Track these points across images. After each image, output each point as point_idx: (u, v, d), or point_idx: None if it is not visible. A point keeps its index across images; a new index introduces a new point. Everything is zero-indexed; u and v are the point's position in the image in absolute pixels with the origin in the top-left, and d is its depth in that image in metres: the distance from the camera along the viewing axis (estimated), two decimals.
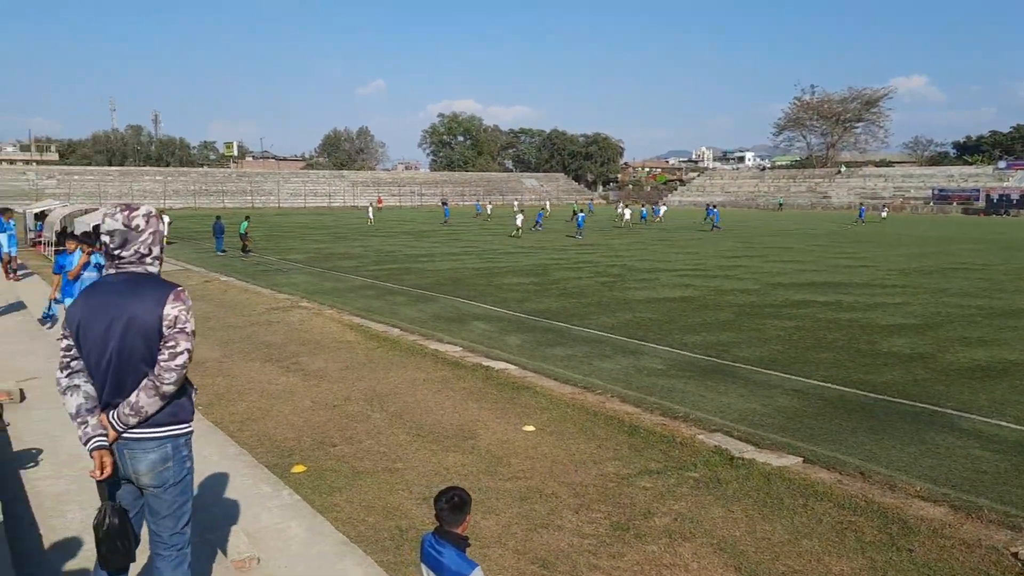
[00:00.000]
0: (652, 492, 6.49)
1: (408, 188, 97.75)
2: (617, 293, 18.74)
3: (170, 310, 2.83)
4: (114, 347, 2.81)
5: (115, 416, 2.83)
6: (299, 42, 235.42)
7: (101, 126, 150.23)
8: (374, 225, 48.14)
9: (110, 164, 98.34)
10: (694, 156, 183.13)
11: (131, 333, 2.80)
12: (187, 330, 2.88)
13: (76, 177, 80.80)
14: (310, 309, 16.42)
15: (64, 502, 4.46)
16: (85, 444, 2.83)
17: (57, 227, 29.86)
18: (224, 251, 29.64)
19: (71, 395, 2.86)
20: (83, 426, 2.84)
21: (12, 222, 17.51)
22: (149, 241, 2.92)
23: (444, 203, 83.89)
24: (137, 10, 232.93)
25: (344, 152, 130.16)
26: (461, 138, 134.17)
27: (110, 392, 2.86)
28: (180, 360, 2.83)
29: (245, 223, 30.67)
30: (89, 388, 2.88)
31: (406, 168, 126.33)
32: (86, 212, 30.87)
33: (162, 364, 2.81)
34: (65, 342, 2.94)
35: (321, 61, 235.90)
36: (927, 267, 25.87)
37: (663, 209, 58.91)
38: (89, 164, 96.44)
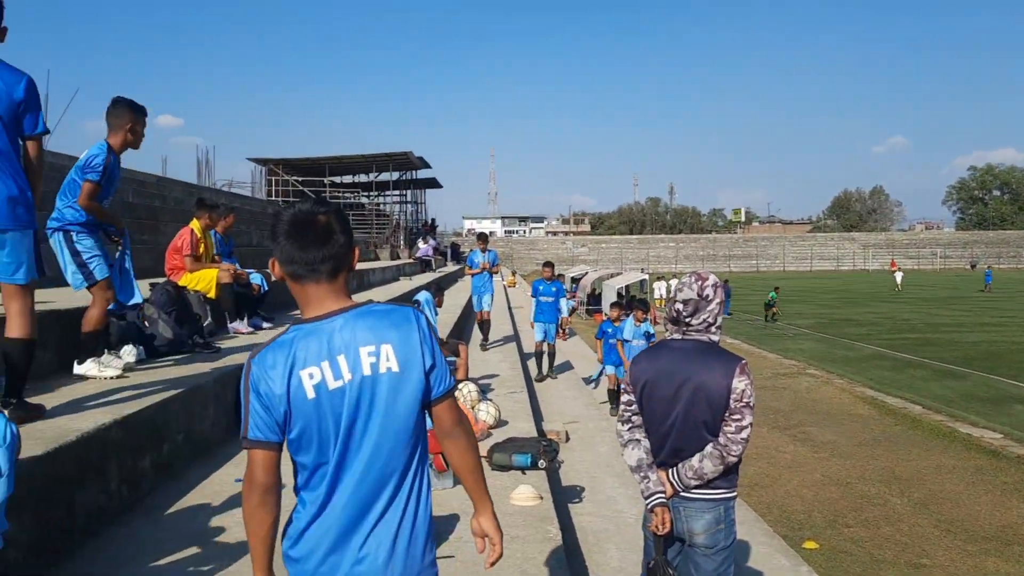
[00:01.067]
0: None
1: (928, 250, 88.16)
2: None
3: (738, 383, 2.92)
4: (680, 411, 2.97)
5: (675, 475, 3.01)
6: (808, 106, 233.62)
7: (625, 199, 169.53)
8: (900, 291, 43.76)
9: (631, 233, 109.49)
10: None
11: (698, 401, 2.94)
12: (751, 404, 2.96)
13: (603, 245, 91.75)
14: (818, 377, 15.83)
15: (603, 540, 4.99)
16: (647, 498, 3.03)
17: (588, 289, 34.21)
18: (730, 314, 30.45)
19: (632, 448, 3.08)
20: (645, 480, 3.04)
21: (564, 287, 19.61)
22: (715, 311, 3.06)
23: (973, 265, 73.78)
24: (649, 102, 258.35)
25: (854, 213, 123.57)
26: (997, 192, 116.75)
27: (668, 452, 3.04)
28: (745, 434, 2.93)
29: (774, 293, 31.10)
30: (647, 443, 3.09)
31: (926, 228, 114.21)
32: (611, 276, 34.76)
33: (729, 436, 2.92)
34: (627, 397, 3.15)
35: (832, 122, 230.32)
36: None
37: None
38: (614, 234, 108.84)
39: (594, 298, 33.02)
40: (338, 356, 1.84)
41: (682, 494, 3.02)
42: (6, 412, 2.31)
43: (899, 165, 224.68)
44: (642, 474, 3.05)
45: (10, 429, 2.22)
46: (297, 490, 1.91)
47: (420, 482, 1.94)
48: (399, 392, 1.88)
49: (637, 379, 3.11)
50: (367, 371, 1.85)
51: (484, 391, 7.85)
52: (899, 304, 35.53)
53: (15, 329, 3.49)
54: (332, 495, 1.85)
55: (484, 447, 5.75)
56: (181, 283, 6.72)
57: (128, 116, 4.63)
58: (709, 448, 2.96)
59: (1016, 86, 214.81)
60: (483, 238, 12.98)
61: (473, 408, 6.68)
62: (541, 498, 4.74)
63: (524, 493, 4.75)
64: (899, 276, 46.95)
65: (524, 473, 5.26)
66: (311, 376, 1.82)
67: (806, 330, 25.13)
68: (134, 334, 5.75)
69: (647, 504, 3.04)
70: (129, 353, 5.56)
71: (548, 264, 12.88)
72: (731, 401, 2.93)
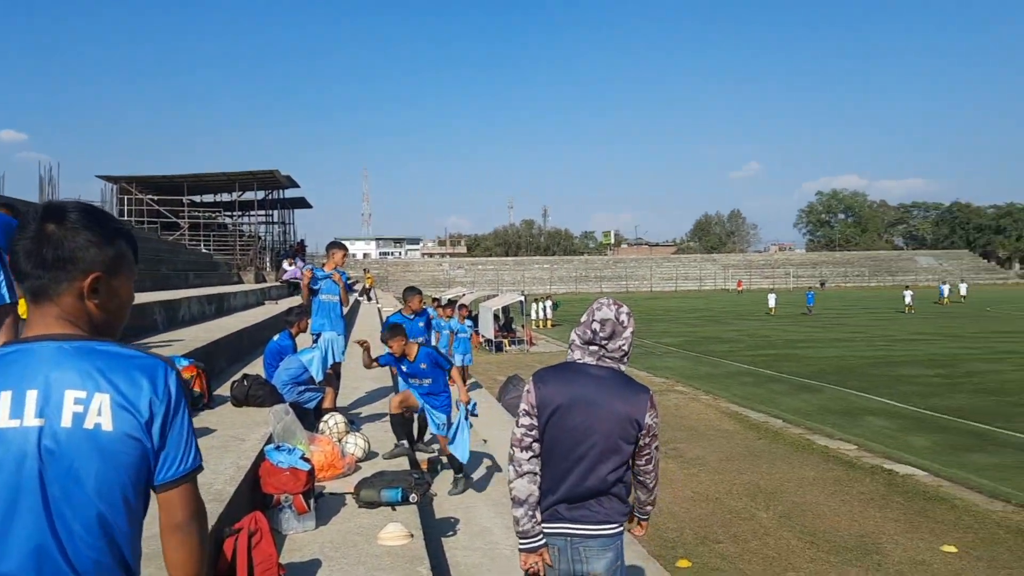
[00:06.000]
0: None
1: (782, 269, 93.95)
2: None
3: (650, 419, 2.84)
4: (594, 443, 2.78)
5: (639, 513, 3.13)
6: (671, 133, 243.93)
7: (501, 222, 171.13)
8: (774, 315, 41.51)
9: (506, 255, 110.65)
10: None
11: (614, 433, 2.79)
12: (657, 435, 2.93)
13: (479, 267, 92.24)
14: (685, 394, 16.31)
15: (477, 575, 4.79)
16: (530, 537, 2.79)
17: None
18: None
19: (528, 481, 2.80)
20: (531, 518, 2.78)
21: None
22: (630, 340, 2.91)
23: (823, 284, 78.78)
24: (525, 128, 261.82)
25: (715, 236, 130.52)
26: (842, 215, 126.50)
27: (569, 487, 2.80)
28: (654, 466, 2.95)
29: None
30: (538, 477, 2.85)
31: (779, 249, 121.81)
32: (488, 298, 34.79)
33: (646, 470, 2.94)
34: (529, 420, 2.85)
35: (697, 149, 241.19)
36: None
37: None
38: (490, 255, 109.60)
39: (471, 320, 32.86)
40: (28, 390, 1.41)
41: (580, 532, 2.80)
42: None
43: (754, 190, 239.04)
44: (529, 511, 2.79)
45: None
46: None
47: None
48: (103, 460, 1.41)
49: (547, 402, 2.83)
50: (66, 422, 1.40)
51: (353, 421, 7.49)
52: (760, 321, 37.48)
53: None
54: None
55: (352, 482, 5.43)
56: None
57: None
58: (641, 481, 3.01)
59: (856, 116, 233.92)
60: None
61: (340, 440, 6.33)
62: (411, 536, 4.49)
63: (392, 532, 4.48)
64: (773, 300, 44.57)
65: (394, 509, 4.98)
66: None
67: (673, 348, 25.98)
68: None
69: (529, 543, 2.80)
70: None
71: (411, 289, 9.32)
72: (641, 435, 2.84)
